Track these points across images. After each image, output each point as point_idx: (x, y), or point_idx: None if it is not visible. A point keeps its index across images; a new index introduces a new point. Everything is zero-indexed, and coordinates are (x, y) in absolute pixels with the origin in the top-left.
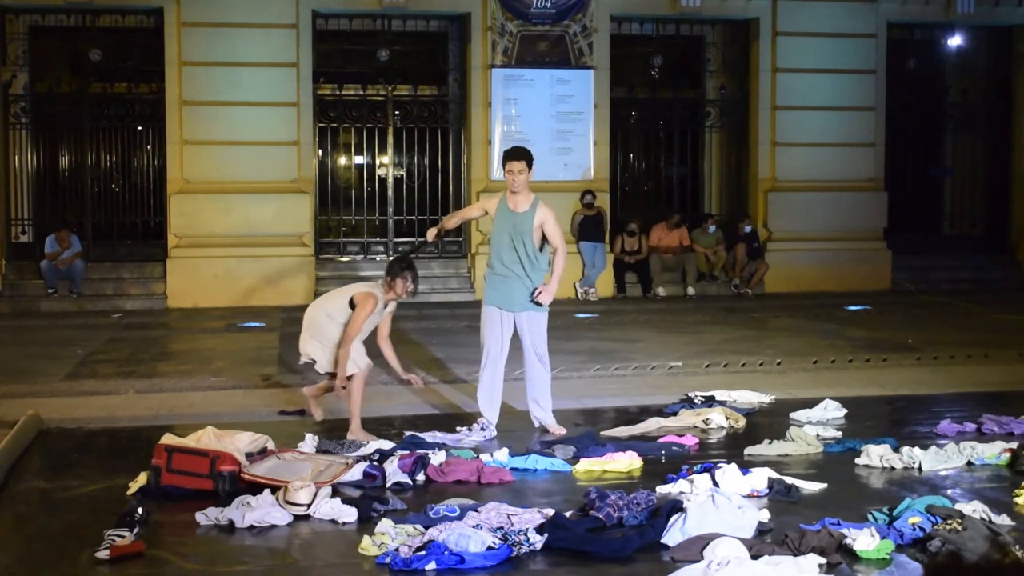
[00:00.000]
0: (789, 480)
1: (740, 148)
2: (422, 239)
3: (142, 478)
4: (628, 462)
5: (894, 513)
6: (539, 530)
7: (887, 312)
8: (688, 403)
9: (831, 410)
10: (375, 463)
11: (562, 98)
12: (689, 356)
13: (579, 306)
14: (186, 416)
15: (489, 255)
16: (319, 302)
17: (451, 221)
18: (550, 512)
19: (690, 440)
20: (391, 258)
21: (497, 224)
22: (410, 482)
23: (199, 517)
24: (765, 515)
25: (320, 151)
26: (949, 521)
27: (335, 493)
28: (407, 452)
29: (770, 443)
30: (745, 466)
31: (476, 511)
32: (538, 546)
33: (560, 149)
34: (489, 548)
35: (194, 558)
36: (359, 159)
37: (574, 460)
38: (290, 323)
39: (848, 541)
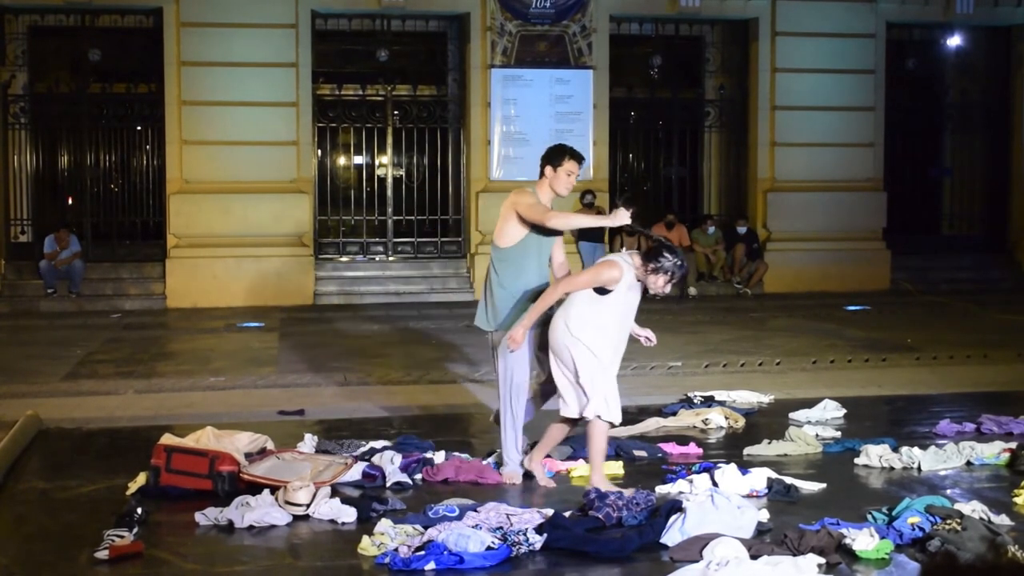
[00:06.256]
0: (788, 480)
1: (739, 148)
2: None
3: (141, 478)
4: (615, 468)
5: (893, 513)
6: (538, 530)
7: (886, 312)
8: (687, 403)
9: (830, 410)
10: (374, 463)
11: (561, 98)
12: (688, 356)
13: None
14: (185, 416)
15: (514, 270)
16: None
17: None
18: (549, 512)
19: (693, 450)
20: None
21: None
22: (409, 482)
23: (198, 517)
24: (764, 515)
25: (319, 151)
26: (948, 521)
27: (334, 493)
28: (406, 452)
29: (769, 443)
30: (744, 466)
31: (475, 511)
32: (537, 546)
33: None
34: (488, 548)
35: (193, 558)
36: (358, 159)
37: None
38: (289, 323)
39: (847, 541)
